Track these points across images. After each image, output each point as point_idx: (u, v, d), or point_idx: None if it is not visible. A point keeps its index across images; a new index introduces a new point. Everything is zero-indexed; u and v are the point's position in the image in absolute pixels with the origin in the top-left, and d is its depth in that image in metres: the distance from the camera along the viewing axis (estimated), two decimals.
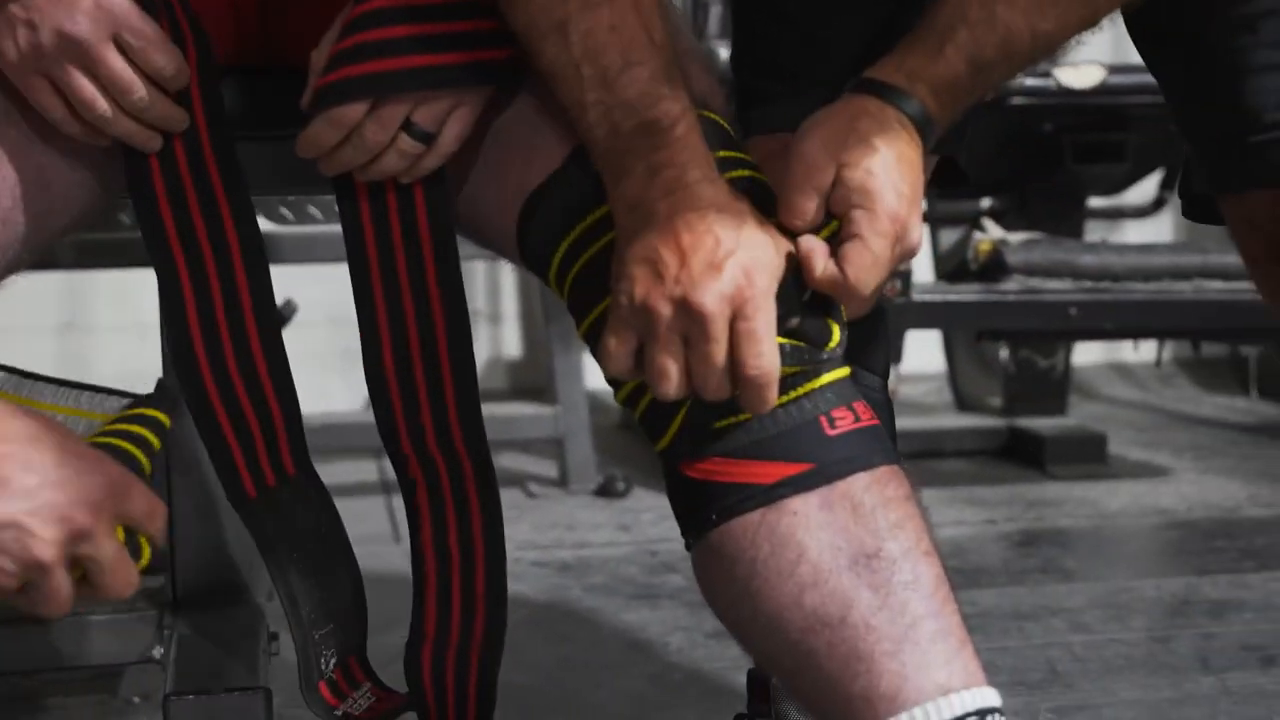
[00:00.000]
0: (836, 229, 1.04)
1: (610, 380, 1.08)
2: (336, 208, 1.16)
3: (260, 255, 1.15)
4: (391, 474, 1.20)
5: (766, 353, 0.98)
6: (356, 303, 1.16)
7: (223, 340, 1.14)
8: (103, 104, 1.07)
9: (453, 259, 1.15)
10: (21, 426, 0.86)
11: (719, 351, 0.98)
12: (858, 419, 1.05)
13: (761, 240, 1.00)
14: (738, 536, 1.04)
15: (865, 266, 1.02)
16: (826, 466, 1.03)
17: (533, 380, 3.53)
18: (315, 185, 1.16)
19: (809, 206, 1.04)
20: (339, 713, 1.20)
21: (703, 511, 1.05)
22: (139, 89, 1.07)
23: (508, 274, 3.71)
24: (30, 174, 1.08)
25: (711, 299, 0.97)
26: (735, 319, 0.98)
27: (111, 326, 3.36)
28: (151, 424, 1.05)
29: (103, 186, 1.14)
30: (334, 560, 1.20)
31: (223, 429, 1.15)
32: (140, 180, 1.12)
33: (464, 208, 1.17)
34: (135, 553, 0.93)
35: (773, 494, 1.03)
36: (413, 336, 1.16)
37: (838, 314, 1.05)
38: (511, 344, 3.75)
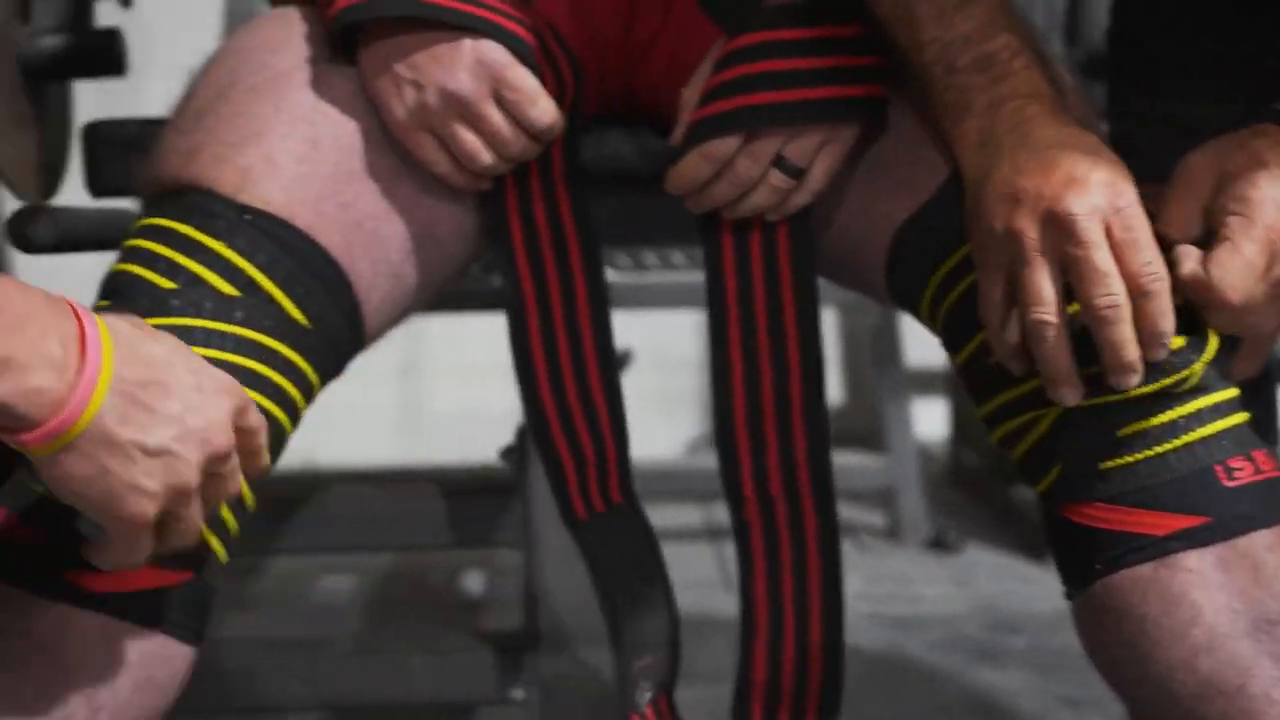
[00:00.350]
0: None
1: (988, 416, 1.03)
2: (673, 257, 1.16)
3: (604, 303, 1.16)
4: (717, 520, 1.18)
5: (1155, 260, 0.92)
6: (711, 340, 1.16)
7: (564, 376, 1.15)
8: (486, 156, 1.08)
9: (812, 301, 1.14)
10: (159, 351, 0.85)
11: (1101, 256, 0.92)
12: (1259, 470, 0.97)
13: (1121, 165, 0.95)
14: (1126, 591, 0.97)
15: (1233, 269, 0.94)
16: (1225, 521, 0.96)
17: (855, 428, 3.48)
18: (658, 238, 1.17)
19: (1185, 217, 0.98)
20: None
21: (1087, 561, 0.99)
22: (515, 142, 1.08)
23: (830, 320, 3.67)
24: (419, 228, 1.10)
25: (1080, 206, 0.92)
26: (1112, 231, 0.92)
27: (444, 370, 3.46)
28: None
29: (483, 235, 1.16)
30: (653, 591, 1.19)
31: (560, 454, 1.17)
32: (500, 226, 1.14)
33: (828, 244, 1.15)
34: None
35: (1165, 547, 0.96)
36: (765, 378, 1.14)
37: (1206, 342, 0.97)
38: (834, 391, 3.71)
